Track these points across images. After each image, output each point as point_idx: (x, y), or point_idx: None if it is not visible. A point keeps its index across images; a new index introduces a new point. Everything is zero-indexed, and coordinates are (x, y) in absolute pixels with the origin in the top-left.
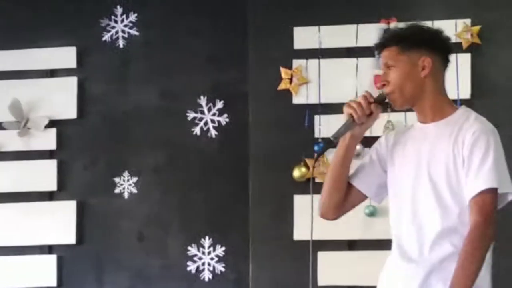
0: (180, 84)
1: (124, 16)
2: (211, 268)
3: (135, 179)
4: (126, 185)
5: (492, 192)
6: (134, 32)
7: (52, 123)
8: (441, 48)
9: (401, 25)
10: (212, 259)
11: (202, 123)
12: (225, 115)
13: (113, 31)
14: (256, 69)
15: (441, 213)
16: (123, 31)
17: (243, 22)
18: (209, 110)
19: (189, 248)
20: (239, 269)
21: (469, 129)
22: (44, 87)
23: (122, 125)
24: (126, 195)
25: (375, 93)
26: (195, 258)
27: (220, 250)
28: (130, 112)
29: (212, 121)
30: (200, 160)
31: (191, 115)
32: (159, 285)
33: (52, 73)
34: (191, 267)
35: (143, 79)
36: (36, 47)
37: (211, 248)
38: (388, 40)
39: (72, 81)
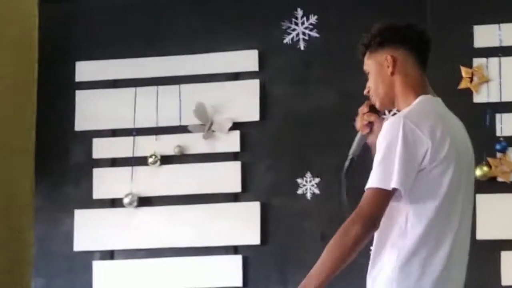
0: (360, 85)
1: (305, 18)
2: None
3: (317, 180)
4: (308, 186)
5: (370, 192)
6: (314, 34)
7: (235, 126)
8: (404, 41)
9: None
10: None
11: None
12: None
13: (294, 33)
14: (436, 68)
15: None
16: (303, 33)
17: (422, 21)
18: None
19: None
20: None
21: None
22: (228, 90)
23: (303, 126)
24: (308, 195)
25: None
26: None
27: None
28: (311, 113)
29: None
30: None
31: None
32: (341, 285)
33: (235, 76)
34: None
35: (324, 80)
36: (220, 51)
37: None
38: (361, 50)
39: (255, 83)
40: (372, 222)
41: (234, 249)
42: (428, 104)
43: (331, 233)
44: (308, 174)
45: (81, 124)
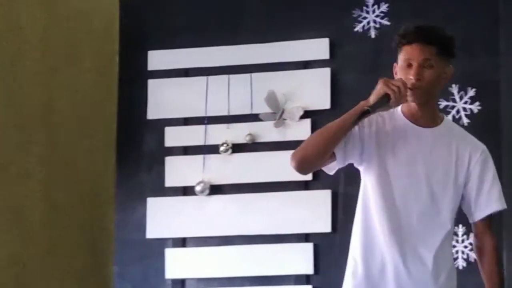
0: None
1: (376, 6)
2: (464, 256)
3: None
4: None
5: (499, 213)
6: (385, 22)
7: (306, 114)
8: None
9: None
10: (465, 247)
11: (454, 112)
12: (477, 103)
13: (365, 21)
14: (509, 56)
15: (437, 227)
16: (374, 21)
17: (495, 8)
18: (461, 98)
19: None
20: None
21: (474, 147)
22: (299, 78)
23: None
24: None
25: None
26: None
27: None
28: None
29: (464, 109)
30: None
31: (442, 103)
32: None
33: (306, 64)
34: None
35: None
36: (291, 40)
37: (465, 236)
38: (433, 38)
39: (326, 72)
40: None
41: (305, 237)
42: None
43: None
44: None
45: (153, 112)
